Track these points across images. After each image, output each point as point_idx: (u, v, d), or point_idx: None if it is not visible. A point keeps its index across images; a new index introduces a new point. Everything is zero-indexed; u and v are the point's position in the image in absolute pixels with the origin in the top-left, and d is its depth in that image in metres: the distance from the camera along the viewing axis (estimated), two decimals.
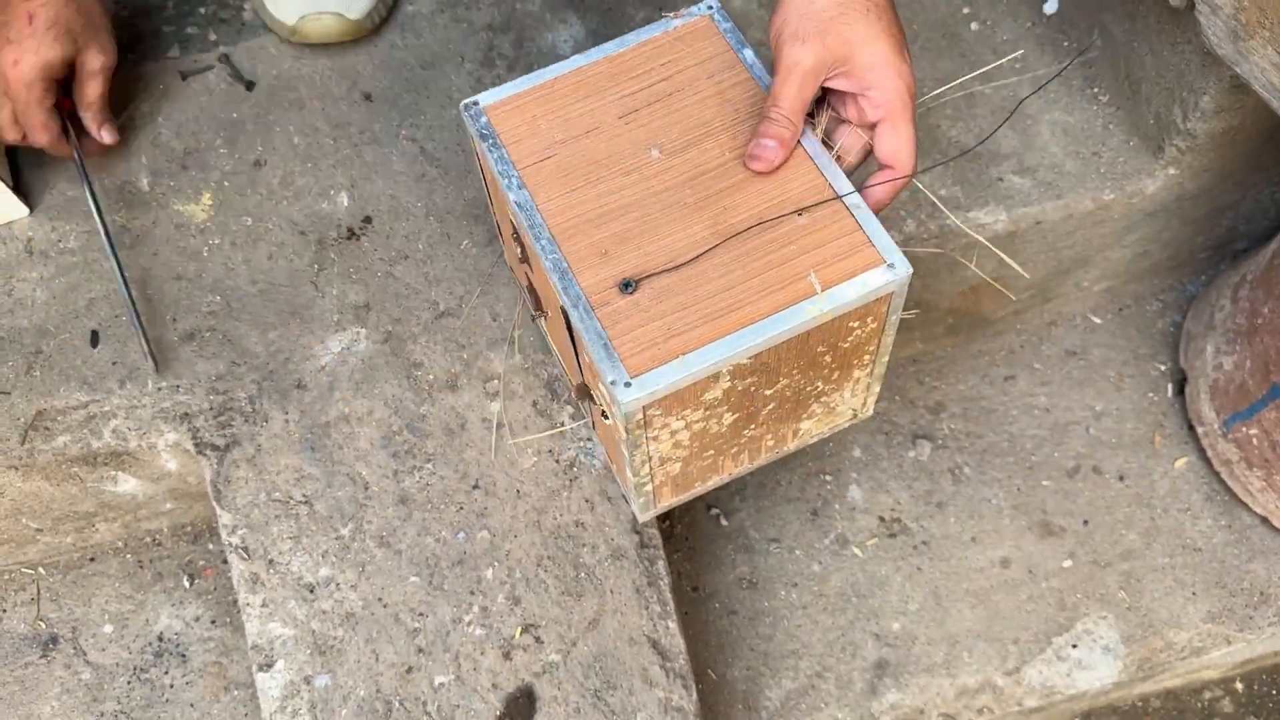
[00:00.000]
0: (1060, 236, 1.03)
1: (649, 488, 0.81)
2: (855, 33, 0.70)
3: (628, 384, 0.68)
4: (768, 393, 0.76)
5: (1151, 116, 0.99)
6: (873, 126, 0.73)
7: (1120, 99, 1.03)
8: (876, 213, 0.73)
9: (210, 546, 1.07)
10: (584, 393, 0.80)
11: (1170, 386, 1.16)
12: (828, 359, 0.76)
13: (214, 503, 0.91)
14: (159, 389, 0.93)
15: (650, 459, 0.77)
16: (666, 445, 0.76)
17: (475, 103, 0.79)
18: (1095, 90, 1.04)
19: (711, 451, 0.80)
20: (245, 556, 0.90)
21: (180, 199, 1.00)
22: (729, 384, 0.72)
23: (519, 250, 0.80)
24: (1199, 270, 1.20)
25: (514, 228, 0.79)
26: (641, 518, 0.88)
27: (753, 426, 0.80)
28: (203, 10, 1.11)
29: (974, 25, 1.08)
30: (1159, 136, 0.99)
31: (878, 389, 0.85)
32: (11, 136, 0.94)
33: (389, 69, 1.06)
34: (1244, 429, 1.05)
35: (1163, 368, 1.17)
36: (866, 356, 0.78)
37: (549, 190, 0.75)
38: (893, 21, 0.73)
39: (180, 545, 1.07)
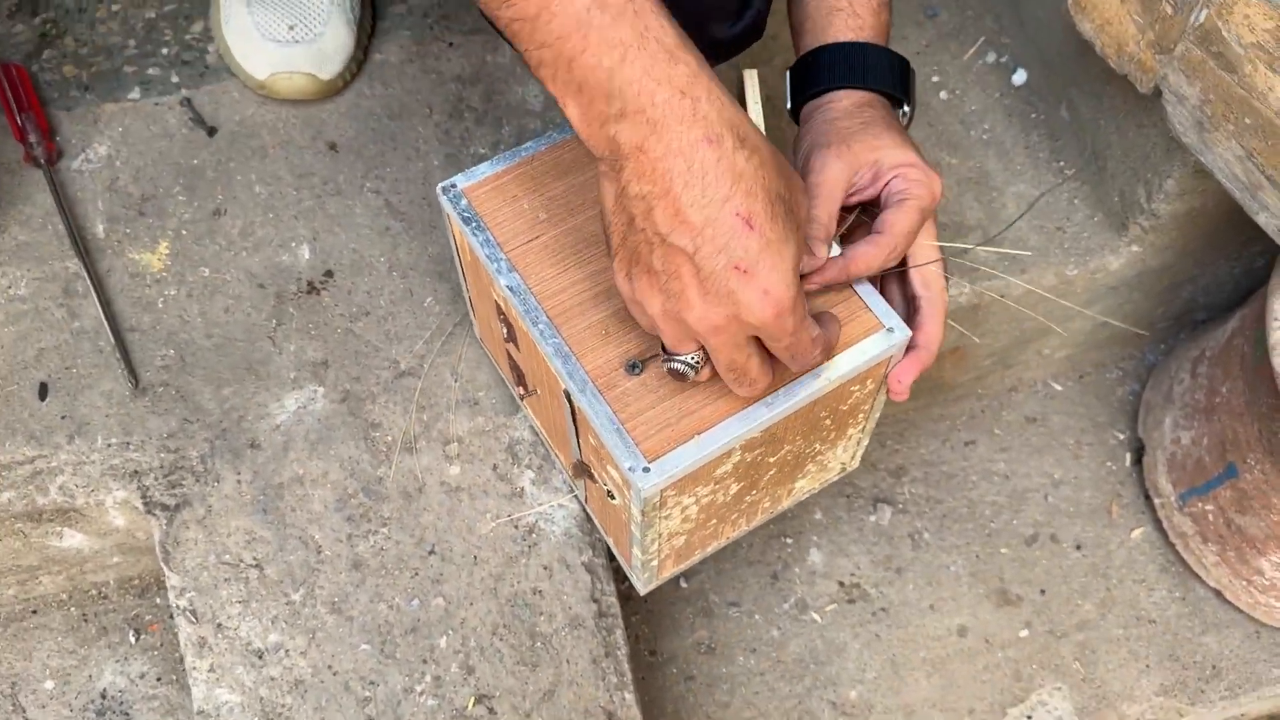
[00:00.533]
0: (1023, 309, 1.04)
1: (655, 563, 0.81)
2: (881, 140, 0.72)
3: (646, 469, 0.67)
4: (772, 460, 0.76)
5: (1116, 194, 1.00)
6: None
7: (1086, 174, 1.03)
8: (845, 278, 0.71)
9: (158, 601, 1.05)
10: (583, 470, 0.79)
11: (1128, 455, 1.17)
12: (828, 422, 0.76)
13: (162, 564, 0.89)
14: (109, 445, 0.91)
15: (660, 536, 0.76)
16: (676, 522, 0.76)
17: (454, 185, 0.78)
18: (1061, 164, 1.05)
19: (715, 520, 0.80)
20: (193, 620, 0.88)
21: (137, 247, 0.98)
22: (739, 457, 0.72)
23: (504, 330, 0.79)
24: (1159, 339, 1.22)
25: (500, 309, 0.78)
26: (643, 591, 0.87)
27: (754, 492, 0.80)
28: (165, 52, 1.09)
29: (943, 94, 1.08)
30: (1123, 214, 1.00)
31: (866, 442, 0.85)
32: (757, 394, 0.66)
33: (355, 118, 1.05)
34: (1200, 504, 1.05)
35: (1121, 436, 1.18)
36: (861, 415, 0.79)
37: (540, 272, 0.74)
38: (909, 139, 0.74)
39: (126, 599, 1.05)
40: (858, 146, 0.71)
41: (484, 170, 0.79)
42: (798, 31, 0.83)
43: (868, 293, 0.72)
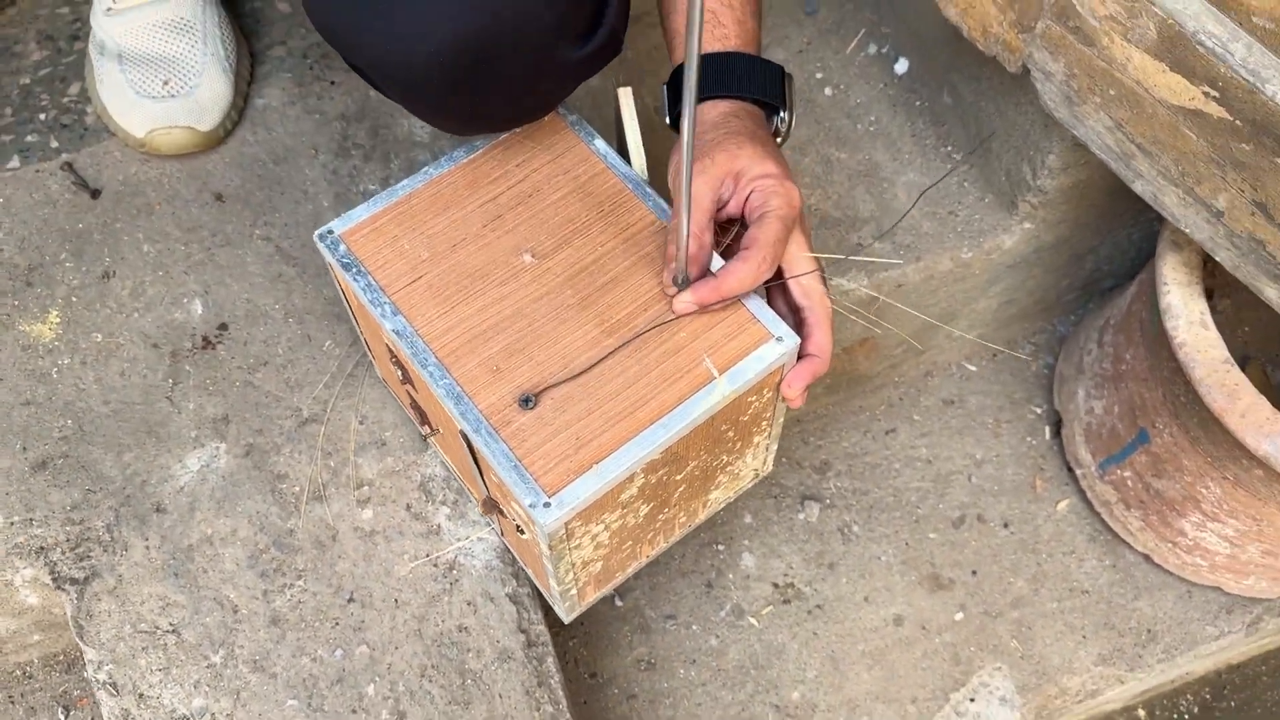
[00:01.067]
0: (924, 295, 1.05)
1: (574, 591, 0.80)
2: (741, 151, 0.72)
3: (547, 504, 0.66)
4: (678, 478, 0.76)
5: (1003, 174, 1.01)
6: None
7: (973, 158, 1.04)
8: (718, 298, 0.72)
9: (84, 675, 1.03)
10: (492, 507, 0.78)
11: (1047, 429, 1.18)
12: (730, 434, 0.76)
13: (77, 639, 0.87)
14: (11, 523, 0.89)
15: (574, 566, 0.76)
16: (588, 550, 0.75)
17: (330, 231, 0.77)
18: (949, 149, 1.06)
19: (630, 543, 0.80)
20: (114, 692, 0.86)
21: (25, 318, 0.96)
22: (643, 480, 0.71)
23: (399, 372, 0.78)
24: (1068, 311, 1.23)
25: (391, 352, 0.77)
26: (567, 619, 0.87)
27: (666, 510, 0.79)
28: (43, 116, 1.07)
29: (828, 90, 1.09)
30: (1012, 193, 1.01)
31: (775, 447, 0.85)
32: None
33: (240, 167, 1.04)
34: (1118, 472, 1.07)
35: (1039, 410, 1.19)
36: (764, 423, 0.79)
37: (426, 312, 0.73)
38: (773, 148, 0.74)
39: (53, 676, 1.03)
40: (720, 158, 0.71)
41: (361, 213, 0.78)
42: (669, 45, 0.83)
43: (756, 305, 0.72)
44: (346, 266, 0.75)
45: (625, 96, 0.82)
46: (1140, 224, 1.13)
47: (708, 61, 0.78)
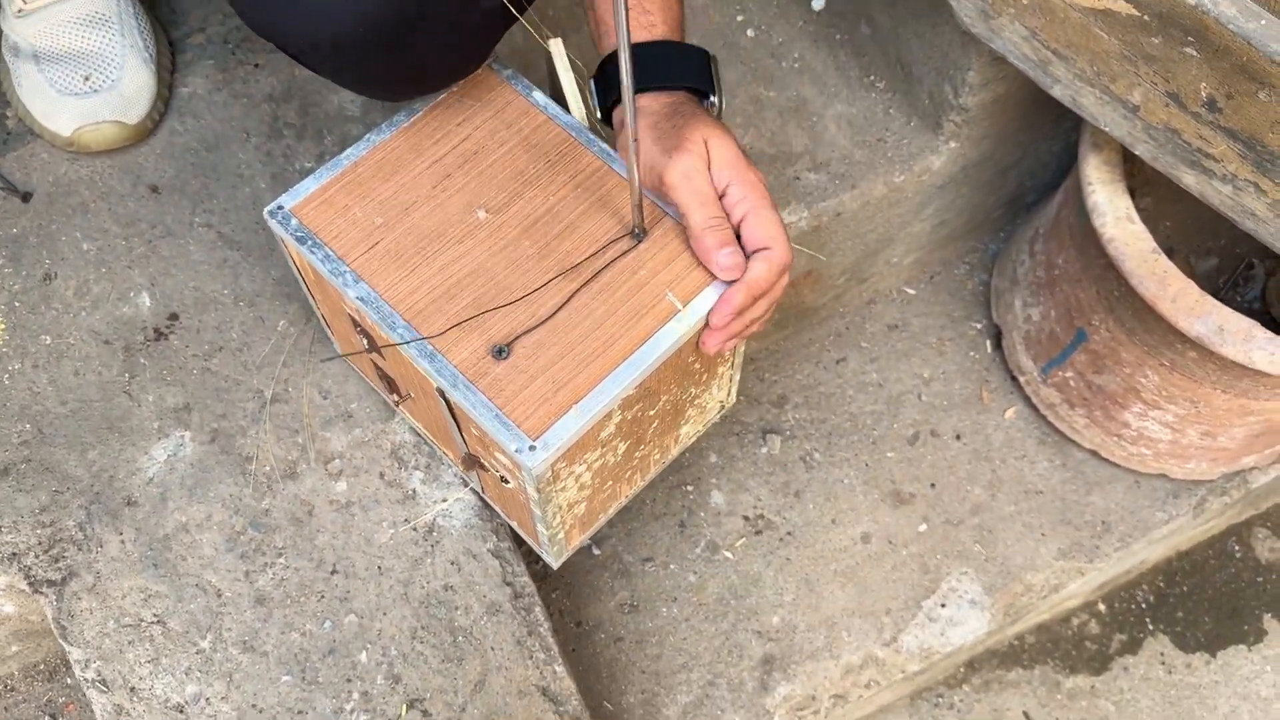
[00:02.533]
0: (861, 222, 1.08)
1: (560, 535, 0.82)
2: (713, 137, 0.73)
3: (532, 447, 0.68)
4: (652, 413, 0.77)
5: (926, 96, 1.04)
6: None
7: (895, 84, 1.07)
8: (751, 299, 0.73)
9: (68, 681, 1.02)
10: (473, 463, 0.79)
11: (989, 342, 1.22)
12: (696, 365, 0.78)
13: (61, 640, 0.86)
14: None
15: (560, 509, 0.77)
16: (572, 491, 0.77)
17: (280, 207, 0.77)
18: (872, 79, 1.09)
19: (611, 482, 0.81)
20: (105, 689, 0.86)
21: None
22: (620, 416, 0.73)
23: (364, 342, 0.79)
24: (997, 228, 1.27)
25: (355, 322, 0.77)
26: (556, 564, 0.88)
27: (642, 447, 0.81)
28: None
29: (750, 31, 1.11)
30: (936, 114, 1.04)
31: (738, 376, 0.88)
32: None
33: (172, 157, 1.03)
34: (1060, 373, 1.11)
35: (979, 326, 1.23)
36: (728, 352, 0.80)
37: (388, 277, 0.74)
38: (726, 130, 0.76)
39: (35, 686, 1.02)
40: (690, 147, 0.73)
41: (308, 186, 0.78)
42: (596, 35, 0.83)
43: None
44: (301, 240, 0.76)
45: (556, 47, 0.83)
46: (1059, 136, 1.17)
47: (639, 52, 0.77)
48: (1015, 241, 1.20)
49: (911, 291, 1.24)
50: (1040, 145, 1.18)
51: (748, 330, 0.76)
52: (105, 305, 0.96)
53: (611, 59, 0.80)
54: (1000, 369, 1.21)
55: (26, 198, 1.01)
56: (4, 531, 0.88)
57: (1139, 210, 0.96)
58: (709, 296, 0.72)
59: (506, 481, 0.77)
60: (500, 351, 0.71)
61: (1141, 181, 1.10)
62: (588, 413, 0.69)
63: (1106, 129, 0.87)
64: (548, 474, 0.71)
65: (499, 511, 0.91)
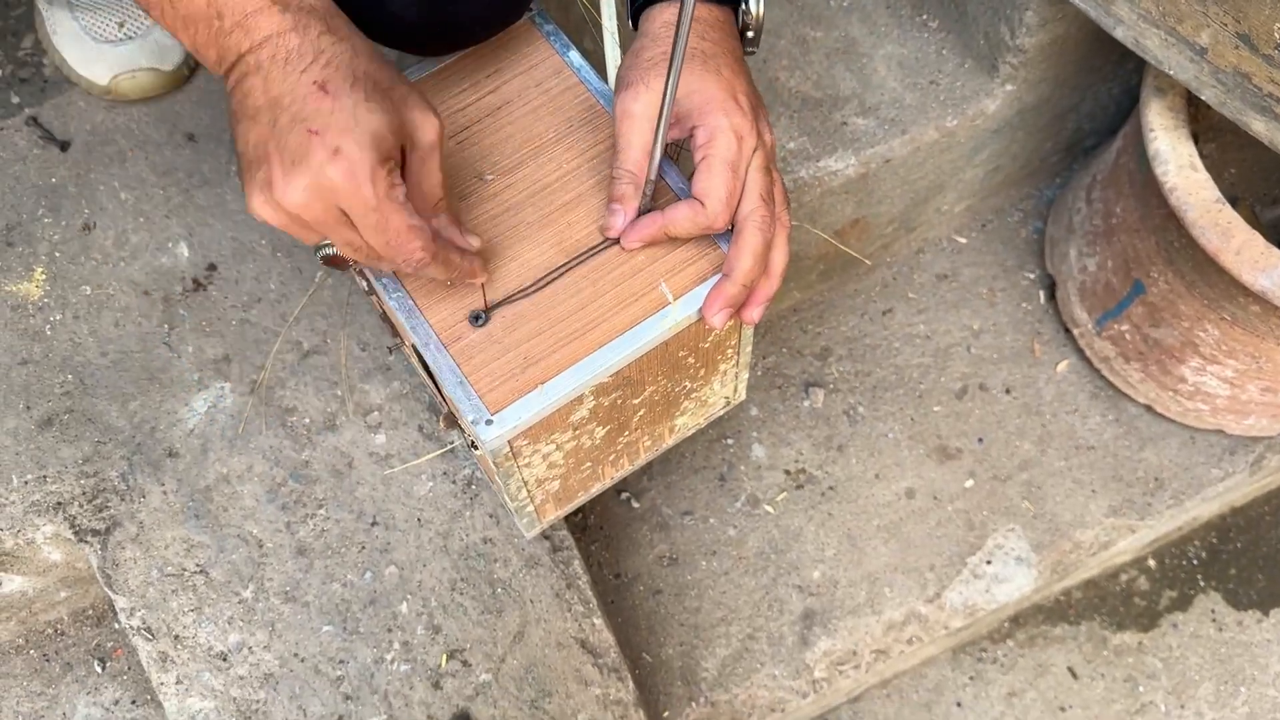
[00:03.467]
0: (911, 169, 1.04)
1: (530, 508, 0.80)
2: (684, 77, 0.66)
3: (489, 421, 0.66)
4: (636, 402, 0.75)
5: (981, 37, 1.00)
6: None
7: (949, 23, 1.03)
8: (664, 236, 0.68)
9: (116, 626, 1.04)
10: (452, 421, 0.78)
11: (1042, 293, 1.19)
12: (691, 360, 0.75)
13: (106, 588, 0.87)
14: (25, 482, 0.89)
15: (526, 483, 0.76)
16: (540, 468, 0.75)
17: None
18: (924, 18, 1.05)
19: (589, 464, 0.79)
20: (150, 637, 0.87)
21: (10, 279, 0.95)
22: (595, 402, 0.71)
23: (364, 284, 0.78)
24: (1053, 174, 1.23)
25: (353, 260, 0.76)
26: (528, 535, 0.87)
27: (627, 433, 0.79)
28: None
29: None
30: (991, 56, 1.00)
31: (746, 375, 0.84)
32: (368, 258, 0.64)
33: (208, 105, 1.01)
34: (1116, 326, 1.07)
35: (1032, 276, 1.20)
36: (730, 350, 0.78)
37: None
38: (735, 74, 0.68)
39: (84, 631, 1.03)
40: (654, 83, 0.66)
41: None
42: None
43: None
44: None
45: (606, 4, 0.80)
46: (1119, 78, 1.13)
47: None
48: (1072, 189, 1.16)
49: (962, 240, 1.21)
50: (1099, 89, 1.13)
51: (731, 302, 0.69)
52: (144, 255, 0.96)
53: None
54: (1053, 321, 1.17)
55: (65, 146, 1.00)
56: (49, 481, 0.89)
57: (1202, 157, 0.91)
58: (704, 293, 0.68)
59: (474, 447, 0.75)
60: (478, 318, 0.69)
61: (1205, 127, 1.05)
62: (552, 395, 0.67)
63: (1171, 73, 0.83)
64: (505, 449, 0.68)
65: (484, 471, 0.89)
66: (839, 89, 1.02)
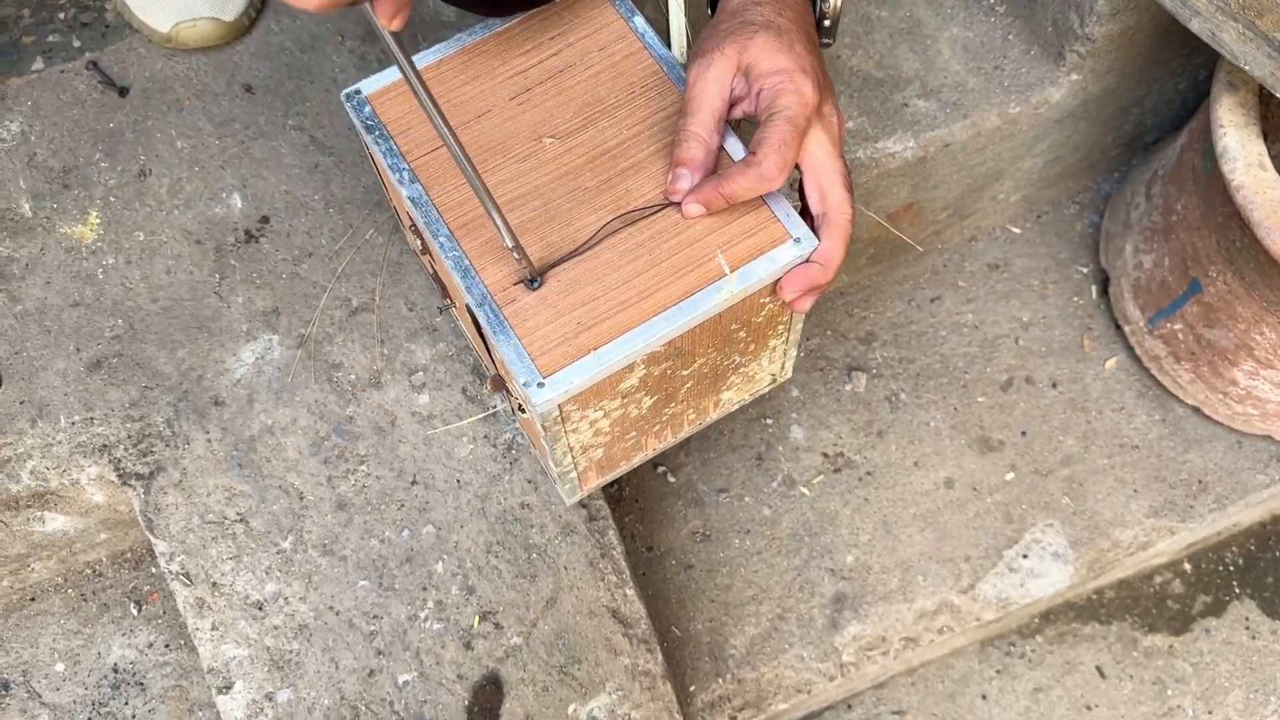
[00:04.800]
0: (971, 154, 1.03)
1: (573, 474, 0.80)
2: (754, 42, 0.67)
3: (540, 384, 0.66)
4: (685, 373, 0.75)
5: (1049, 24, 0.98)
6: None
7: (1017, 8, 1.01)
8: (721, 201, 0.68)
9: (153, 570, 1.05)
10: (499, 384, 0.78)
11: (1094, 288, 1.17)
12: (742, 335, 0.75)
13: (147, 532, 0.88)
14: (72, 423, 0.90)
15: (571, 449, 0.76)
16: (587, 435, 0.75)
17: (358, 91, 0.75)
18: (991, 2, 1.03)
19: (634, 433, 0.79)
20: (188, 582, 0.88)
21: (66, 221, 0.96)
22: (645, 371, 0.71)
23: (419, 243, 0.78)
24: (1112, 168, 1.21)
25: (411, 220, 0.76)
26: (569, 501, 0.87)
27: (673, 405, 0.79)
28: (62, 16, 1.05)
29: None
30: (1058, 43, 0.98)
31: (794, 353, 0.84)
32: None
33: (267, 57, 1.02)
34: (1168, 325, 1.06)
35: (1085, 270, 1.18)
36: (780, 326, 0.77)
37: (443, 182, 0.72)
38: (807, 51, 0.68)
39: (122, 573, 1.05)
40: (729, 51, 0.67)
41: (389, 75, 0.76)
42: None
43: (777, 203, 0.70)
44: (369, 129, 0.74)
45: None
46: (1186, 73, 1.10)
47: None
48: (1131, 183, 1.14)
49: (1016, 230, 1.19)
50: (1165, 83, 1.11)
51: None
52: (198, 204, 0.96)
53: None
54: (1104, 316, 1.16)
55: (124, 92, 1.01)
56: (95, 423, 0.90)
57: (1271, 158, 0.89)
58: (763, 265, 0.68)
59: (522, 410, 0.75)
60: (533, 281, 0.69)
61: (1276, 125, 1.03)
62: (604, 361, 0.66)
63: (1246, 68, 0.81)
64: (555, 414, 0.68)
65: (527, 437, 0.89)
66: (901, 70, 1.00)
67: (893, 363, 1.14)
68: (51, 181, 0.97)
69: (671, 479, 1.10)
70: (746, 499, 1.09)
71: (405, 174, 0.72)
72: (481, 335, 0.73)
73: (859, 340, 1.15)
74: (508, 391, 0.78)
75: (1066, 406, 1.12)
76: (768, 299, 0.72)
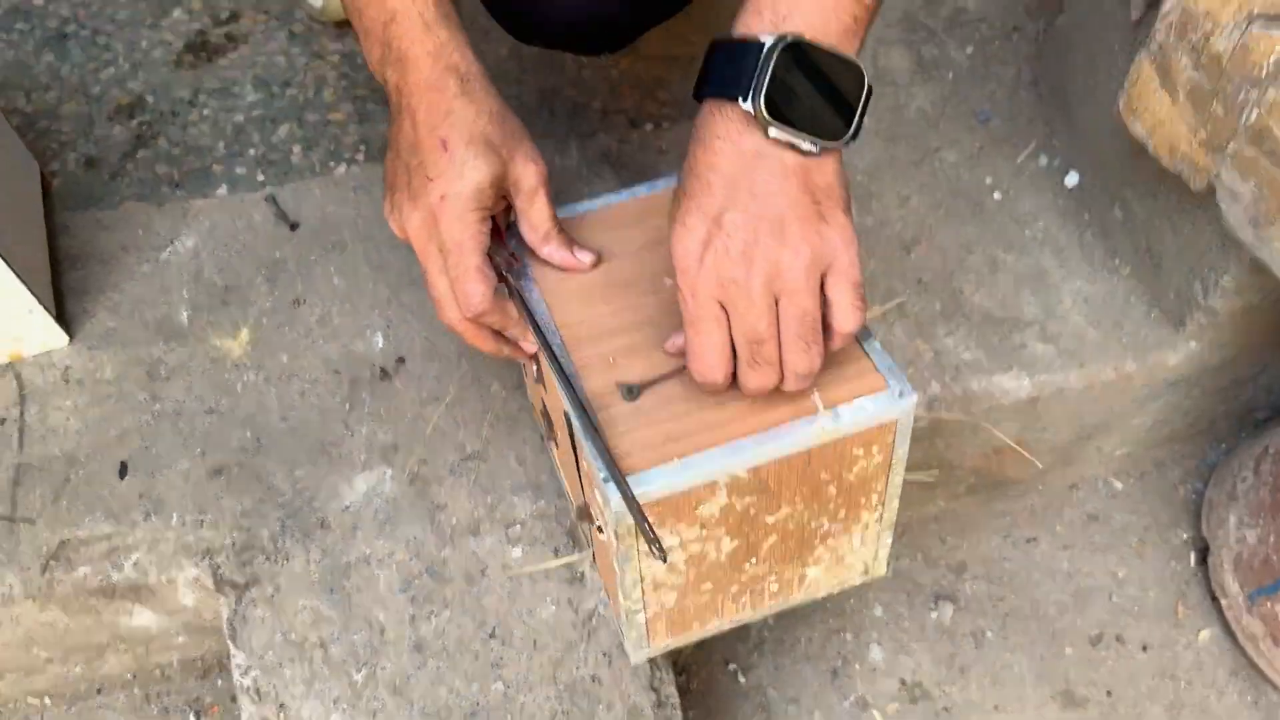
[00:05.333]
0: (1082, 404, 1.04)
1: (641, 618, 0.80)
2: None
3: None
4: (769, 520, 0.75)
5: (1172, 291, 1.01)
6: None
7: (1141, 272, 1.05)
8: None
9: (219, 683, 1.06)
10: (584, 513, 0.80)
11: (1193, 555, 1.15)
12: (832, 489, 0.75)
13: (229, 641, 0.90)
14: (183, 523, 0.93)
15: (643, 579, 0.76)
16: (660, 568, 0.75)
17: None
18: (1116, 262, 1.07)
19: (709, 585, 0.79)
20: (256, 699, 0.88)
21: (218, 334, 1.02)
22: (726, 500, 0.72)
23: (535, 370, 0.82)
24: (1219, 438, 1.21)
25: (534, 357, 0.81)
26: (635, 658, 0.86)
27: (754, 561, 0.79)
28: (252, 153, 1.16)
29: (996, 195, 1.11)
30: (1180, 311, 1.01)
31: (889, 542, 0.84)
32: (451, 316, 0.76)
33: None
34: (1269, 604, 1.03)
35: (1185, 536, 1.16)
36: (874, 496, 0.78)
37: (566, 305, 0.78)
38: (688, 191, 0.68)
39: (189, 681, 1.06)
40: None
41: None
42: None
43: (880, 357, 0.73)
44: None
45: None
46: None
47: (726, 51, 0.65)
48: (1239, 455, 1.13)
49: (1118, 485, 1.19)
50: None
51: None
52: (342, 337, 1.02)
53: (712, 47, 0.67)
54: (1201, 585, 1.13)
55: (294, 226, 1.09)
56: (204, 526, 0.93)
57: None
58: (855, 410, 0.70)
59: (602, 531, 0.76)
60: (631, 390, 0.72)
61: None
62: (688, 470, 0.68)
63: None
64: (629, 521, 0.69)
65: (603, 586, 0.89)
66: (1023, 312, 1.04)
67: (982, 598, 1.12)
68: (212, 296, 1.04)
69: (742, 679, 1.08)
70: (816, 714, 1.06)
71: (534, 292, 0.79)
72: (574, 447, 0.76)
73: (950, 569, 1.14)
74: (590, 520, 0.79)
75: (1156, 673, 1.09)
76: (860, 451, 0.73)
